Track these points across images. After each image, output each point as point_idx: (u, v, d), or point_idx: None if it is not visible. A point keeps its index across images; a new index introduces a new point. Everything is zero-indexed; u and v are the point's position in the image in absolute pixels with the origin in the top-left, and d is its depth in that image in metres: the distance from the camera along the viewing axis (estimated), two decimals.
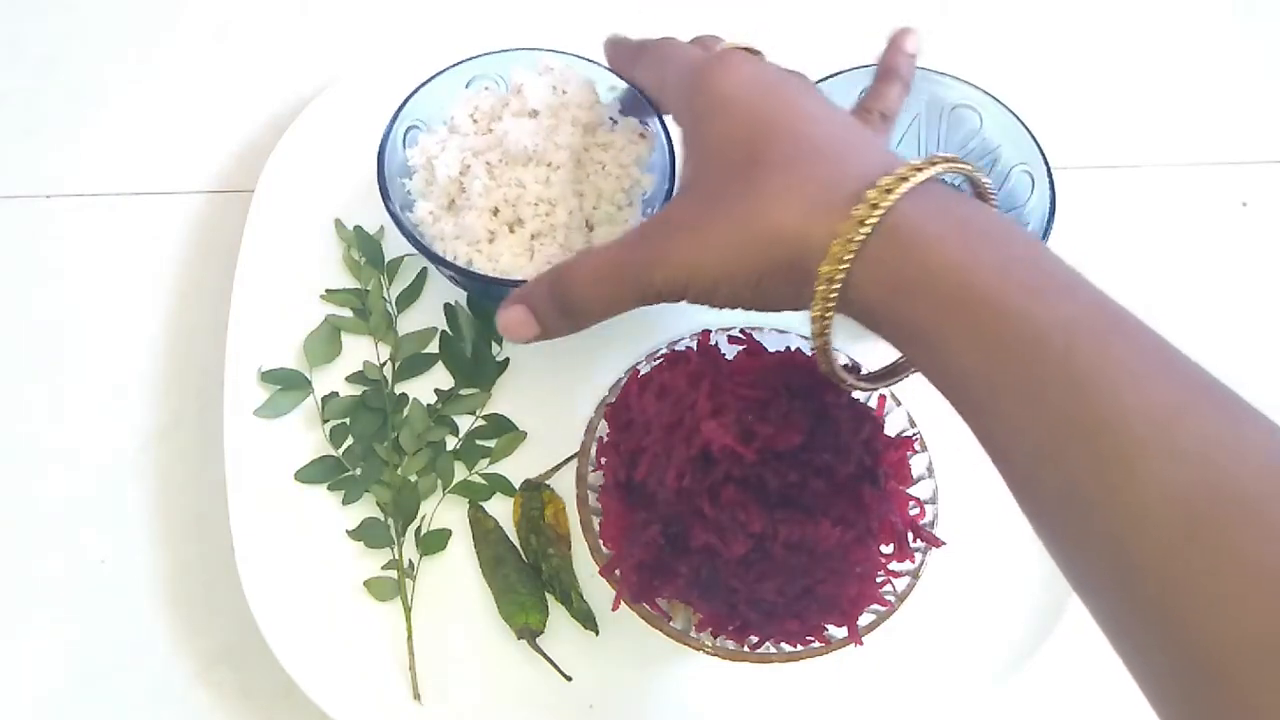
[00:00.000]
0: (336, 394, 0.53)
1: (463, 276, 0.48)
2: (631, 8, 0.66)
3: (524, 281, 0.44)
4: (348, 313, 0.55)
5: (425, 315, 0.56)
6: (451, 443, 0.53)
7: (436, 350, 0.55)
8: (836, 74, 0.54)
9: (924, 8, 0.69)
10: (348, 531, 0.50)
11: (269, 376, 0.52)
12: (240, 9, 0.68)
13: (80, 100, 0.65)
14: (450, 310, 0.55)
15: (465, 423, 0.53)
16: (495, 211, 0.49)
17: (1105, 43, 0.69)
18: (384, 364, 0.54)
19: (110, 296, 0.58)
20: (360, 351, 0.54)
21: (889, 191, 0.32)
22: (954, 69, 0.55)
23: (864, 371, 0.41)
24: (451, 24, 0.66)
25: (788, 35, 0.62)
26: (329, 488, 0.51)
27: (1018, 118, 0.52)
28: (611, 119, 0.52)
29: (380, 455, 0.51)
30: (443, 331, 0.55)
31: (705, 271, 0.35)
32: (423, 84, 0.51)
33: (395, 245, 0.57)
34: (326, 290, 0.55)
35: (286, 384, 0.52)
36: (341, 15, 0.68)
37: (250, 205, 0.56)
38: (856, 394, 0.43)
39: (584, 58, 0.52)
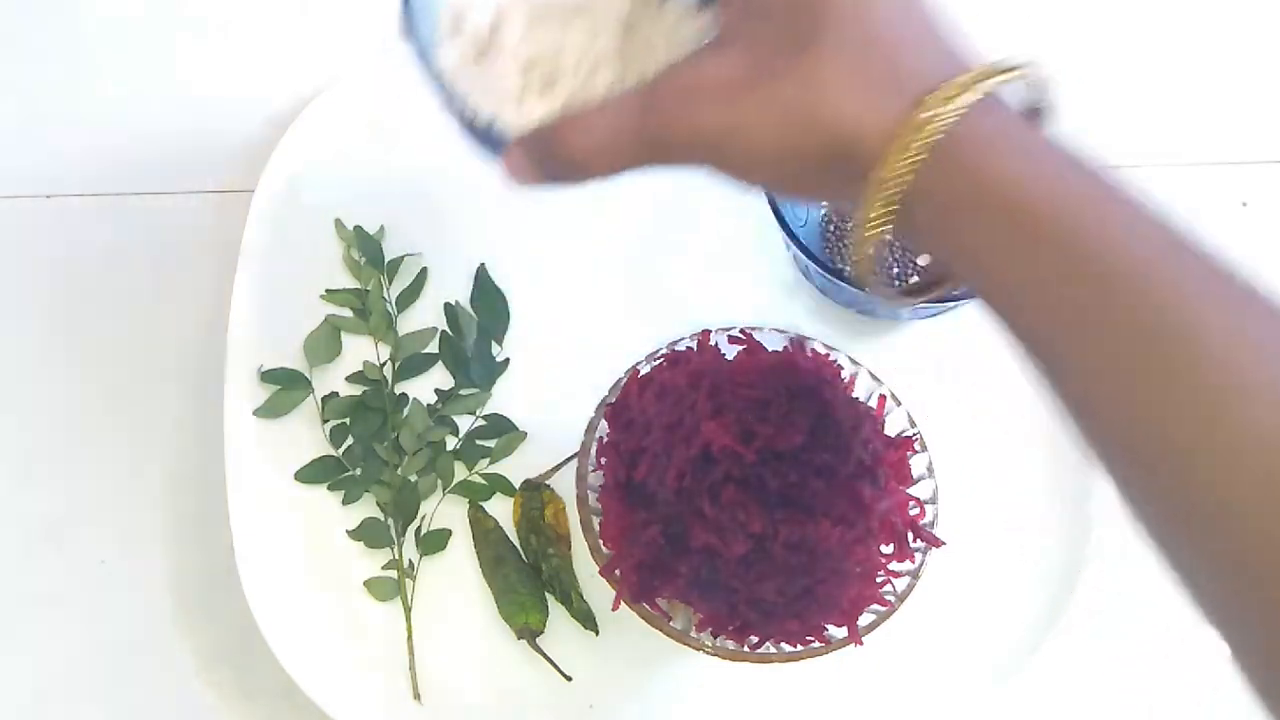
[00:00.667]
0: (336, 394, 0.53)
1: (480, 139, 0.42)
2: None
3: None
4: (348, 313, 0.55)
5: (425, 315, 0.56)
6: (451, 443, 0.53)
7: (436, 350, 0.55)
8: None
9: None
10: (348, 531, 0.50)
11: (269, 376, 0.52)
12: (240, 9, 0.68)
13: (80, 100, 0.64)
14: (450, 310, 0.55)
15: (465, 423, 0.53)
16: (528, 68, 0.43)
17: (1105, 43, 0.69)
18: (384, 364, 0.54)
19: (110, 296, 0.58)
20: (360, 351, 0.54)
21: (950, 99, 0.29)
22: None
23: (911, 283, 0.38)
24: None
25: None
26: (329, 488, 0.51)
27: None
28: None
29: (380, 455, 0.51)
30: (443, 331, 0.55)
31: (737, 146, 0.32)
32: None
33: (395, 245, 0.57)
34: (326, 290, 0.55)
35: (286, 384, 0.52)
36: (341, 15, 0.68)
37: (250, 205, 0.56)
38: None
39: None
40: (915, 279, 0.52)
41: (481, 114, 0.42)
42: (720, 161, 0.33)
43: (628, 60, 0.42)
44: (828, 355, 0.47)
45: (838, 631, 0.44)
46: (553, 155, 0.36)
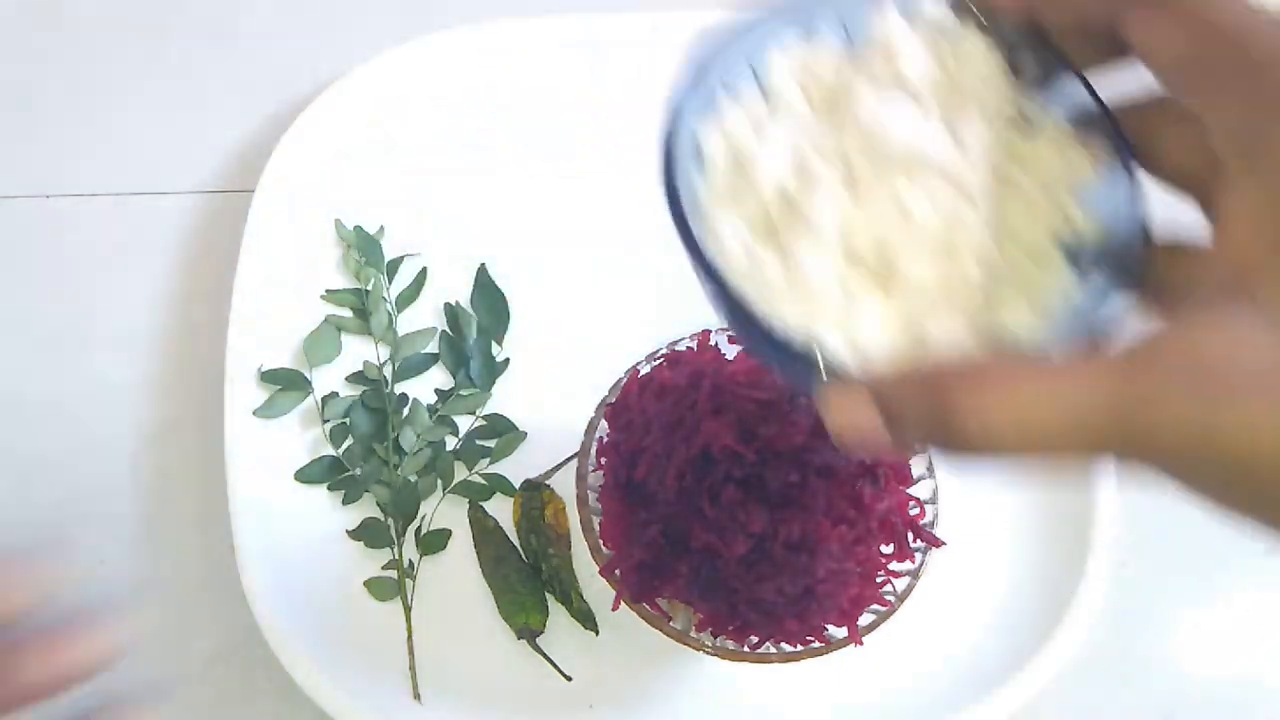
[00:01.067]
0: (336, 394, 0.53)
1: (793, 362, 0.27)
2: None
3: None
4: (348, 313, 0.55)
5: (425, 315, 0.56)
6: (451, 443, 0.53)
7: (436, 350, 0.55)
8: None
9: None
10: (348, 531, 0.50)
11: (269, 376, 0.52)
12: (240, 9, 0.68)
13: (80, 100, 0.64)
14: (450, 310, 0.55)
15: (465, 423, 0.53)
16: (854, 256, 0.29)
17: None
18: (384, 364, 0.54)
19: (110, 296, 0.58)
20: (360, 351, 0.54)
21: None
22: None
23: None
24: (451, 22, 0.66)
25: None
26: (329, 488, 0.51)
27: None
28: (1028, 113, 0.31)
29: (380, 455, 0.51)
30: (443, 331, 0.55)
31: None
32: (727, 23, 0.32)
33: (395, 245, 0.57)
34: (326, 290, 0.55)
35: (286, 384, 0.52)
36: (341, 15, 0.68)
37: (250, 205, 0.56)
38: None
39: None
40: None
41: (782, 321, 0.27)
42: (1257, 491, 0.21)
43: (1002, 235, 0.29)
44: None
45: (838, 631, 0.43)
46: (938, 421, 0.24)
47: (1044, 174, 0.30)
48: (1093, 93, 0.30)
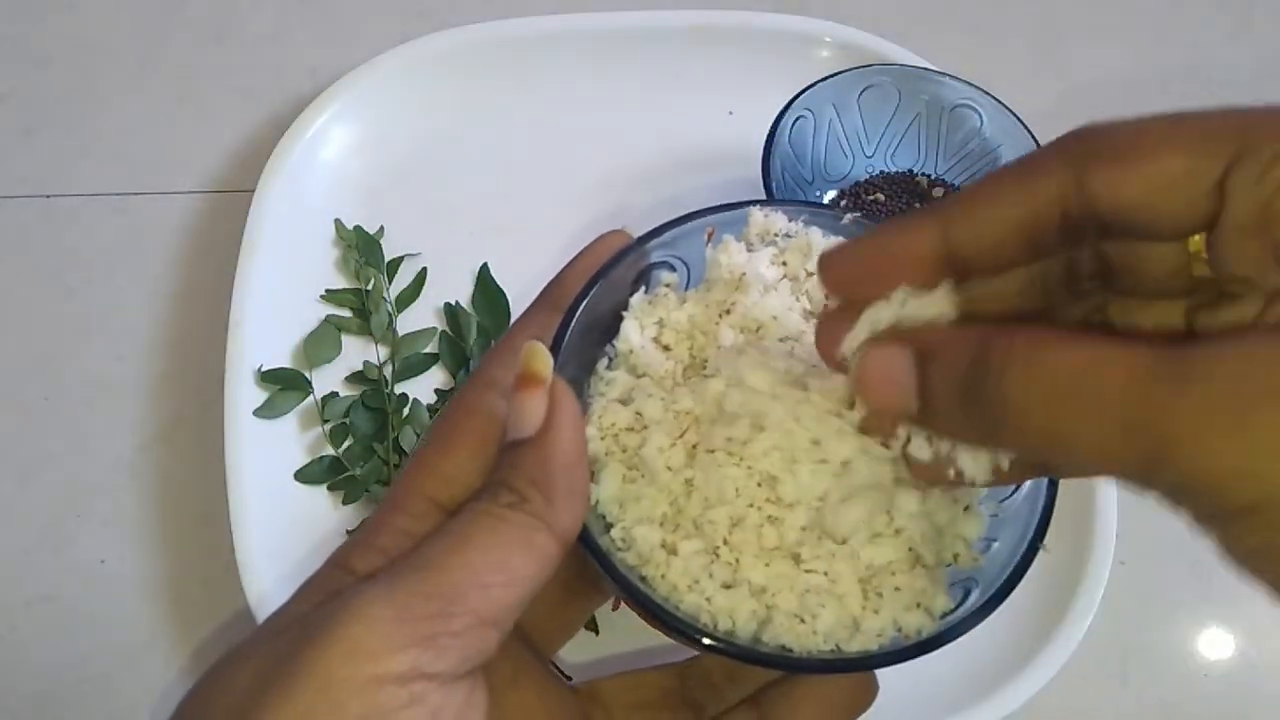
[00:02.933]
0: (336, 394, 0.53)
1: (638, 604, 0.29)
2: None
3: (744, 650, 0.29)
4: (348, 313, 0.55)
5: (425, 315, 0.56)
6: None
7: (436, 350, 0.55)
8: (835, 74, 0.54)
9: (926, 7, 0.69)
10: (348, 531, 0.50)
11: (269, 376, 0.52)
12: (240, 9, 0.68)
13: (80, 100, 0.64)
14: (450, 310, 0.55)
15: None
16: (671, 509, 0.31)
17: (1105, 43, 0.69)
18: (384, 364, 0.54)
19: (110, 296, 0.58)
20: (360, 351, 0.54)
21: None
22: (954, 69, 0.55)
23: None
24: (451, 23, 0.66)
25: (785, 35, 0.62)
26: (329, 488, 0.51)
27: (1018, 118, 0.52)
28: None
29: (380, 455, 0.51)
30: (443, 331, 0.55)
31: None
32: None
33: (395, 245, 0.57)
34: (326, 290, 0.55)
35: (286, 384, 0.52)
36: (341, 15, 0.68)
37: (250, 205, 0.56)
38: None
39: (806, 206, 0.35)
40: None
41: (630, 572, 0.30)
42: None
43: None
44: None
45: None
46: (980, 371, 0.23)
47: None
48: None
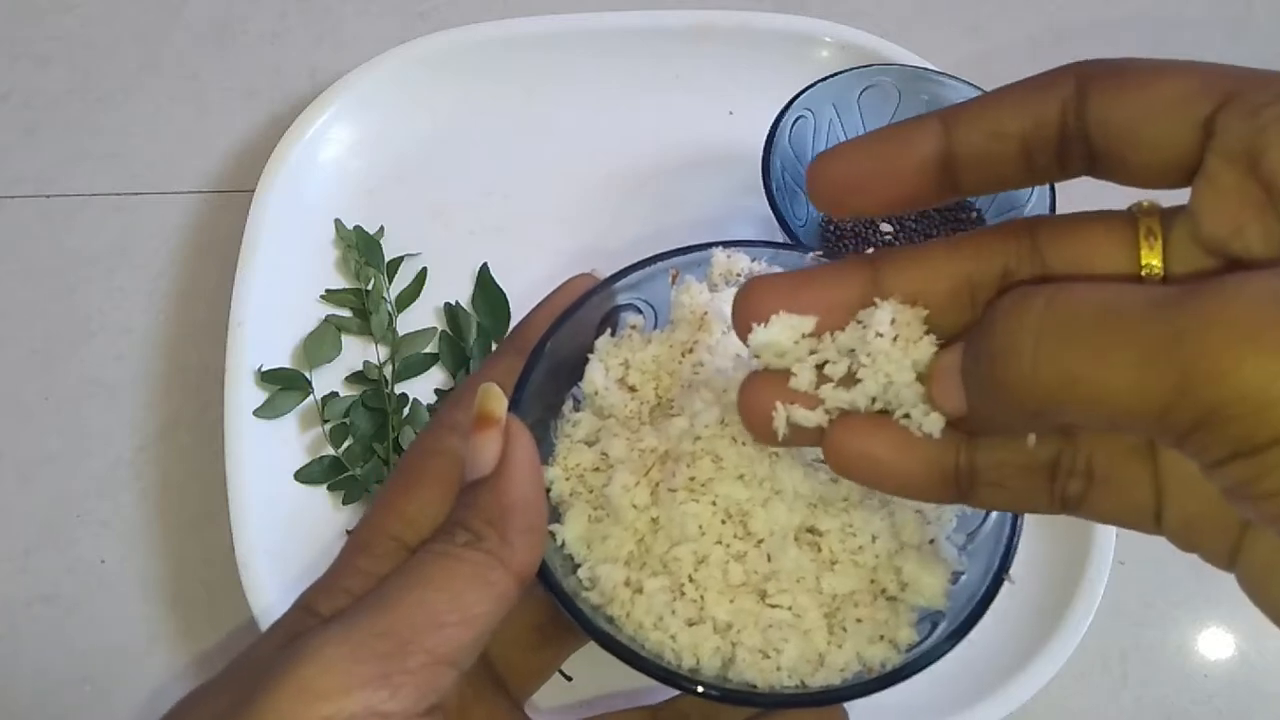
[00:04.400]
0: (336, 394, 0.53)
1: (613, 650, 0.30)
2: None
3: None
4: (348, 313, 0.55)
5: (425, 315, 0.56)
6: None
7: (436, 350, 0.55)
8: (835, 75, 0.54)
9: (926, 7, 0.69)
10: (348, 531, 0.50)
11: (269, 376, 0.52)
12: (240, 9, 0.68)
13: (80, 100, 0.64)
14: (450, 310, 0.55)
15: None
16: (638, 547, 0.31)
17: (1105, 42, 0.69)
18: (384, 364, 0.54)
19: (110, 296, 0.58)
20: (360, 351, 0.54)
21: None
22: (954, 69, 0.55)
23: None
24: (451, 22, 0.66)
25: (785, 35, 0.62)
26: (329, 488, 0.51)
27: None
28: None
29: (380, 455, 0.51)
30: (443, 331, 0.55)
31: None
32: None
33: (395, 245, 0.57)
34: (326, 290, 0.55)
35: (286, 384, 0.52)
36: (341, 15, 0.68)
37: (250, 205, 0.56)
38: None
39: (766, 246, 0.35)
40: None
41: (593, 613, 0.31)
42: None
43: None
44: None
45: None
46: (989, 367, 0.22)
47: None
48: None
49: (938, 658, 0.29)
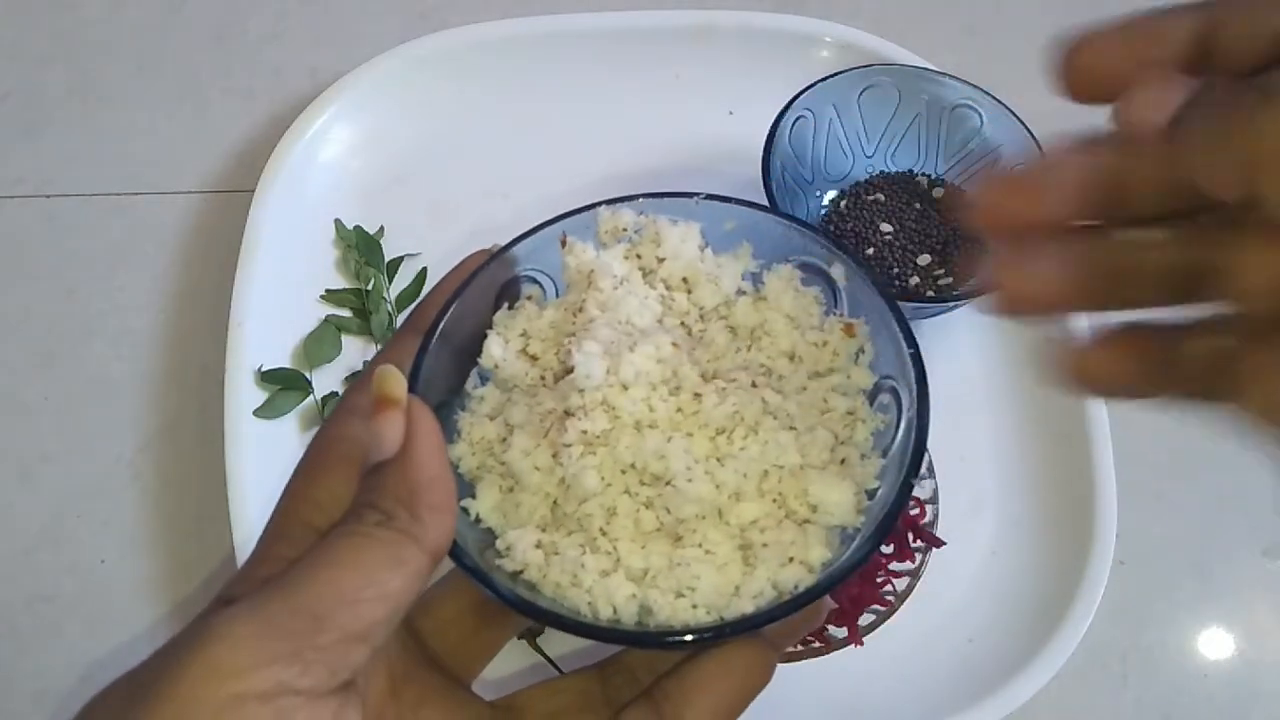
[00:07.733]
0: (336, 394, 0.53)
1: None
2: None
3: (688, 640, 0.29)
4: (348, 313, 0.55)
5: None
6: None
7: None
8: (835, 75, 0.54)
9: (926, 7, 0.69)
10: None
11: (269, 376, 0.52)
12: (240, 9, 0.68)
13: (80, 100, 0.64)
14: None
15: None
16: (553, 511, 0.32)
17: None
18: None
19: (110, 296, 0.58)
20: (360, 351, 0.54)
21: None
22: (954, 69, 0.55)
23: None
24: (451, 23, 0.66)
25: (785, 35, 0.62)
26: None
27: (1018, 118, 0.52)
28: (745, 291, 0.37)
29: None
30: None
31: None
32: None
33: (395, 245, 0.57)
34: (326, 290, 0.55)
35: (286, 384, 0.52)
36: (342, 15, 0.68)
37: (250, 205, 0.56)
38: None
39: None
40: (915, 279, 0.52)
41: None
42: None
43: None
44: None
45: (838, 631, 0.44)
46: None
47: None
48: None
49: (850, 570, 0.29)
